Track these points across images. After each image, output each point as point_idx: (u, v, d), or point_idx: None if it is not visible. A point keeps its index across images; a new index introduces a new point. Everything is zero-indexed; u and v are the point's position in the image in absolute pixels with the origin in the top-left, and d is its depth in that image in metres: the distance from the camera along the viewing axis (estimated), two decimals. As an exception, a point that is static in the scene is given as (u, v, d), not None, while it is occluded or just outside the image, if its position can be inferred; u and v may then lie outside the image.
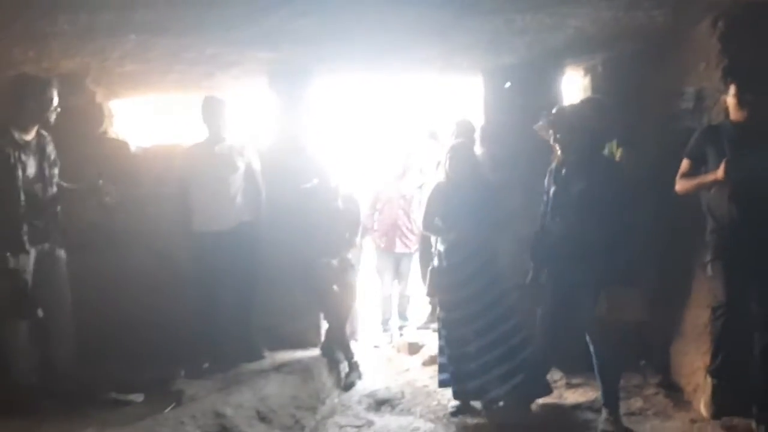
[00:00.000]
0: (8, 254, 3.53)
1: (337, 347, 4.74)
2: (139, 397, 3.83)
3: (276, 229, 4.83)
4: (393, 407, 4.22)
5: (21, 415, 3.48)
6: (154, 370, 4.23)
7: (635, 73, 4.83)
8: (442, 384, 4.12)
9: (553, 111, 3.87)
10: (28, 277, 3.63)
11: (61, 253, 3.88)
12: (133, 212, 4.87)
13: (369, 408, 4.23)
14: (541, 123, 3.96)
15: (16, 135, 3.61)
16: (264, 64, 4.64)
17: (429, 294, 4.18)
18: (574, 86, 5.42)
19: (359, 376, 4.70)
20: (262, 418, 3.66)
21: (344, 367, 4.73)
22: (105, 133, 5.09)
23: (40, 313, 3.62)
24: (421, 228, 4.47)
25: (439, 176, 4.34)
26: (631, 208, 3.69)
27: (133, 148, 5.14)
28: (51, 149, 3.86)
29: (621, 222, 3.61)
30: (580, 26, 4.17)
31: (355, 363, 4.74)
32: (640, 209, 3.97)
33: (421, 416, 4.06)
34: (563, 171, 3.78)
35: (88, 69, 4.51)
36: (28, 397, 3.61)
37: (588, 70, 5.26)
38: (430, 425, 3.88)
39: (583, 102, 4.46)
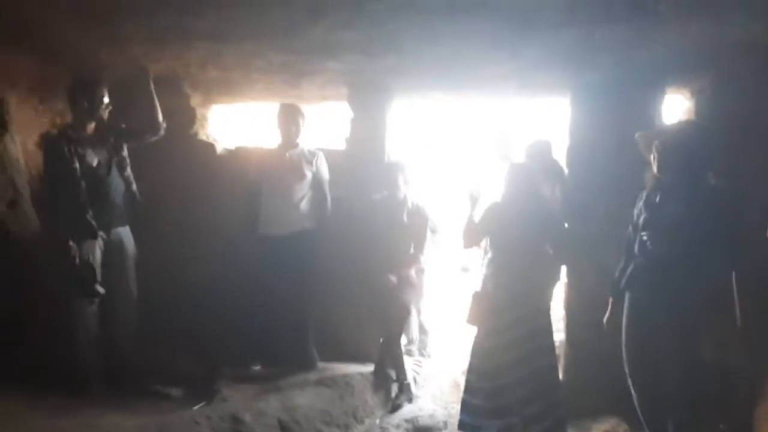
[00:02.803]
0: (72, 241, 3.78)
1: (390, 366, 4.61)
2: (178, 392, 3.95)
3: (343, 239, 4.83)
4: (430, 436, 4.03)
5: (71, 394, 3.70)
6: (205, 366, 4.33)
7: (749, 96, 4.27)
8: (462, 426, 3.83)
9: (660, 127, 3.54)
10: (95, 262, 3.86)
11: (129, 240, 4.09)
12: (213, 211, 5.07)
13: (405, 434, 4.06)
14: (642, 133, 3.64)
15: (70, 131, 3.92)
16: (339, 75, 4.63)
17: (469, 321, 3.93)
18: (676, 109, 4.88)
19: (409, 399, 4.54)
20: (284, 428, 3.64)
21: (396, 387, 4.59)
22: (196, 134, 5.33)
23: (101, 290, 3.82)
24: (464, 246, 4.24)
25: (496, 197, 4.09)
26: (737, 240, 3.29)
27: (219, 149, 5.35)
28: (113, 140, 4.10)
29: (725, 254, 3.24)
30: (668, 42, 3.76)
31: (407, 385, 4.59)
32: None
33: (456, 451, 3.83)
34: (657, 196, 3.41)
35: (179, 73, 4.74)
36: (83, 378, 3.84)
37: (694, 92, 4.71)
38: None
39: (685, 123, 4.05)
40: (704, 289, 3.21)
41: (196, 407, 3.66)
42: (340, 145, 5.16)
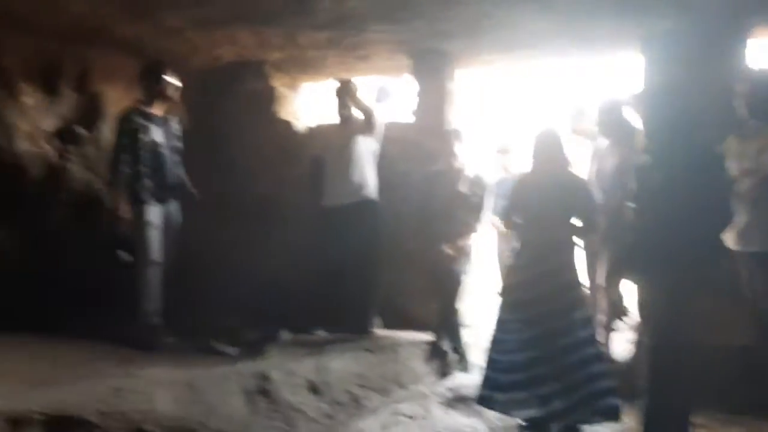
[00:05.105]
0: (143, 206, 4.22)
1: (446, 335, 4.59)
2: (234, 350, 4.27)
3: (406, 211, 4.88)
4: (468, 406, 3.96)
5: (141, 350, 4.15)
6: (265, 329, 4.61)
7: None
8: (480, 400, 3.69)
9: (639, 90, 3.22)
10: (156, 228, 4.26)
11: (178, 213, 4.44)
12: (291, 186, 5.36)
13: (444, 401, 4.05)
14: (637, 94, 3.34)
15: (144, 109, 4.29)
16: (395, 46, 4.68)
17: (500, 293, 3.79)
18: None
19: (464, 368, 4.51)
20: (313, 389, 3.78)
21: (451, 356, 4.58)
22: (276, 114, 5.65)
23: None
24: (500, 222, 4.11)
25: (526, 167, 3.88)
26: (729, 207, 2.92)
27: (298, 128, 5.63)
28: (174, 125, 4.44)
29: (716, 221, 2.90)
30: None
31: (462, 353, 4.55)
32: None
33: (488, 422, 3.75)
34: (644, 163, 3.11)
35: (245, 56, 5.09)
36: (152, 335, 4.30)
37: (788, 33, 4.08)
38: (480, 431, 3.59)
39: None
40: (696, 266, 2.83)
41: (239, 364, 3.92)
42: (409, 118, 5.19)
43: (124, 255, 4.46)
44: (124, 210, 4.18)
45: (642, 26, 4.09)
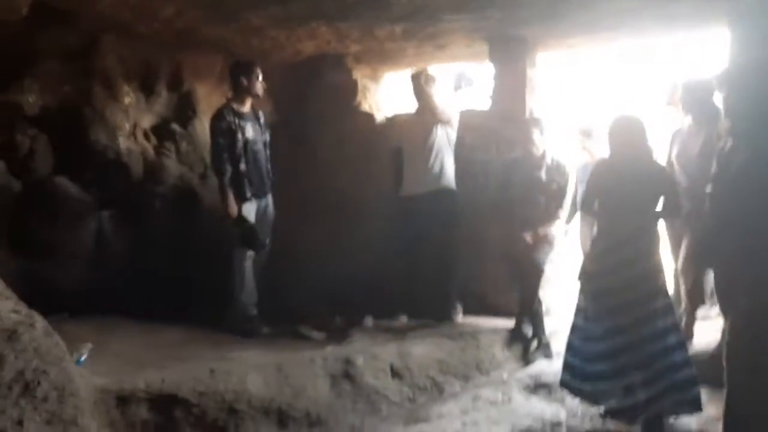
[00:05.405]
0: (242, 202, 4.42)
1: (528, 322, 4.59)
2: (320, 336, 4.46)
3: (485, 199, 4.90)
4: (550, 393, 3.97)
5: (241, 337, 4.33)
6: (351, 315, 4.78)
7: None
8: (563, 384, 3.72)
9: (723, 69, 3.10)
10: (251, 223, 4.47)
11: (271, 206, 4.68)
12: (373, 177, 5.48)
13: (525, 388, 4.07)
14: (720, 74, 3.23)
15: (235, 106, 4.48)
16: (470, 33, 4.69)
17: (578, 278, 3.75)
18: None
19: (547, 355, 4.49)
20: (395, 374, 3.91)
21: (534, 343, 4.58)
22: (358, 106, 5.77)
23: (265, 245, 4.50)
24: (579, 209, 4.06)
25: (605, 153, 3.82)
26: None
27: (378, 119, 5.73)
28: (263, 119, 4.67)
29: None
30: None
31: (545, 342, 4.54)
32: None
33: (569, 409, 3.75)
34: (727, 145, 2.99)
35: (327, 50, 5.22)
36: (249, 325, 4.50)
37: None
38: (561, 417, 3.60)
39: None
40: None
41: (327, 348, 4.06)
42: (485, 105, 5.18)
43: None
44: (233, 208, 4.40)
45: (729, 1, 3.91)
